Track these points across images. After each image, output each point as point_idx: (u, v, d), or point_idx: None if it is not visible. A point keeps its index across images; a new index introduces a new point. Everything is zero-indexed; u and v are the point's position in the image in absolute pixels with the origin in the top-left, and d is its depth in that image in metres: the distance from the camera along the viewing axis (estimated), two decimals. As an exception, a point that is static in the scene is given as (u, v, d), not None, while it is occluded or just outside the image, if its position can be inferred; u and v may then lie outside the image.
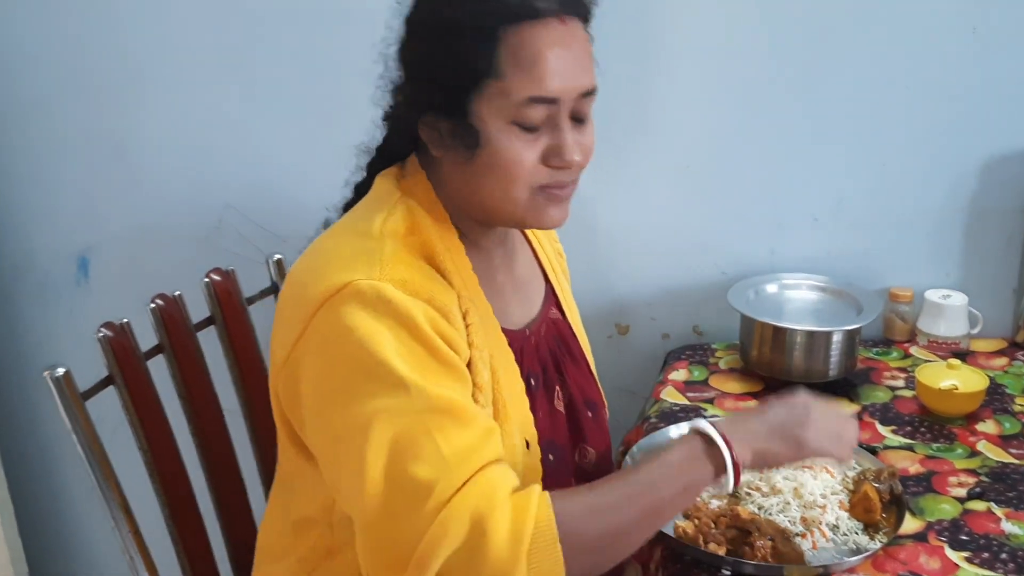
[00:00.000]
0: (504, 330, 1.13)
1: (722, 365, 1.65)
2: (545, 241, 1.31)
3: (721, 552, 1.14)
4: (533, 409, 1.13)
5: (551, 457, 1.15)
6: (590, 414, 1.24)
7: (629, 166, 1.66)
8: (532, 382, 1.15)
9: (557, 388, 1.20)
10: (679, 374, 1.62)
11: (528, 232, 1.27)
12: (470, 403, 1.00)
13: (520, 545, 0.92)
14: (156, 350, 1.35)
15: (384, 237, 1.04)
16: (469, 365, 1.03)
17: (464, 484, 0.94)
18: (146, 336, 1.34)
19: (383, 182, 1.13)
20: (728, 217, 1.69)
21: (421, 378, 0.96)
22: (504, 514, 0.93)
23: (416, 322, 0.98)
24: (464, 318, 1.05)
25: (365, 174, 1.18)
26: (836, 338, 1.52)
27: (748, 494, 1.22)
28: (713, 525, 1.18)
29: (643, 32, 1.59)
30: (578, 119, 1.05)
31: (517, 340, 1.14)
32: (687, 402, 1.54)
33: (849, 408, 1.11)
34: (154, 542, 1.28)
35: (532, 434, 1.12)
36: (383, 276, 0.99)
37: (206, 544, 1.36)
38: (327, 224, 1.16)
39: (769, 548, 1.15)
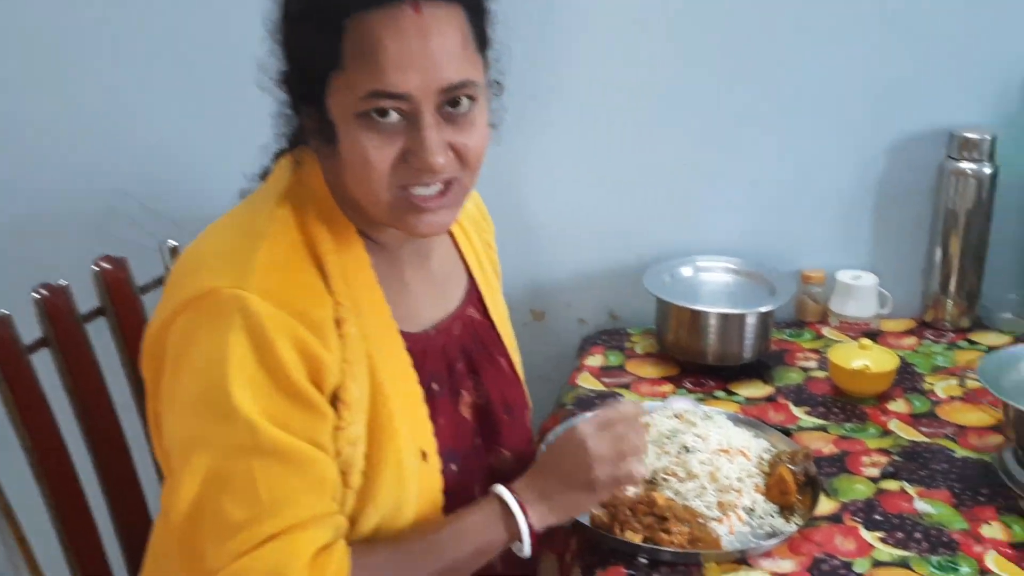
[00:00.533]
0: (404, 333, 1.06)
1: (638, 350, 1.63)
2: (473, 232, 1.24)
3: (637, 540, 1.12)
4: (433, 417, 1.07)
5: (453, 466, 1.09)
6: (507, 416, 1.18)
7: (542, 152, 1.62)
8: (434, 387, 1.09)
9: (463, 392, 1.14)
10: (595, 359, 1.60)
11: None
12: (308, 449, 0.94)
13: None
14: (40, 343, 1.27)
15: (263, 236, 0.97)
16: (337, 389, 0.98)
17: (272, 537, 0.91)
18: (29, 329, 1.25)
19: (279, 170, 1.07)
20: (643, 202, 1.67)
21: (260, 413, 0.92)
22: None
23: (274, 349, 0.92)
24: (339, 328, 0.98)
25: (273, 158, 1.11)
26: (750, 320, 1.51)
27: (665, 479, 1.20)
28: (630, 512, 1.15)
29: (554, 18, 1.55)
30: (452, 117, 0.95)
31: (418, 342, 1.08)
32: (603, 388, 1.51)
33: (630, 405, 1.09)
34: (41, 548, 1.20)
35: (430, 444, 1.06)
36: (251, 285, 0.93)
37: (98, 546, 1.29)
38: (243, 195, 1.09)
39: (686, 534, 1.13)
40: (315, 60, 0.94)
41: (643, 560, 1.12)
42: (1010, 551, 1.13)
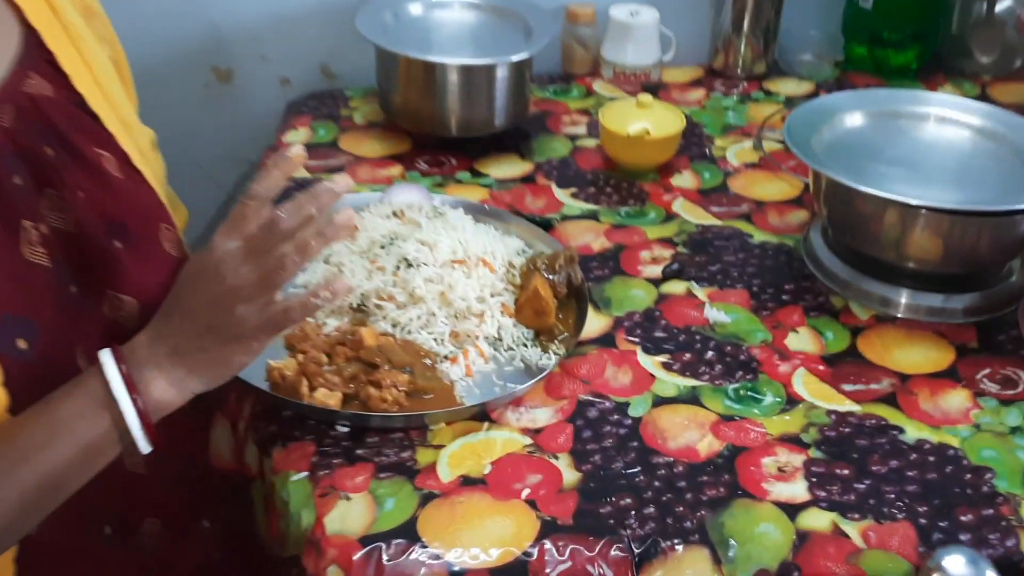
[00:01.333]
0: None
1: (357, 119, 1.24)
2: None
3: (333, 403, 0.78)
4: None
5: (23, 344, 0.69)
6: (119, 244, 0.77)
7: None
8: None
9: (31, 223, 0.72)
10: (298, 134, 1.19)
11: None
12: None
13: None
14: None
15: None
16: None
17: None
18: None
19: None
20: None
21: None
22: None
23: None
24: None
25: None
26: (501, 74, 1.14)
27: (379, 307, 0.85)
28: (326, 360, 0.81)
29: None
30: None
31: None
32: (306, 174, 1.12)
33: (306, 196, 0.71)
34: None
35: None
36: None
37: None
38: None
39: (404, 384, 0.80)
40: None
41: (343, 428, 0.79)
42: (823, 368, 0.88)
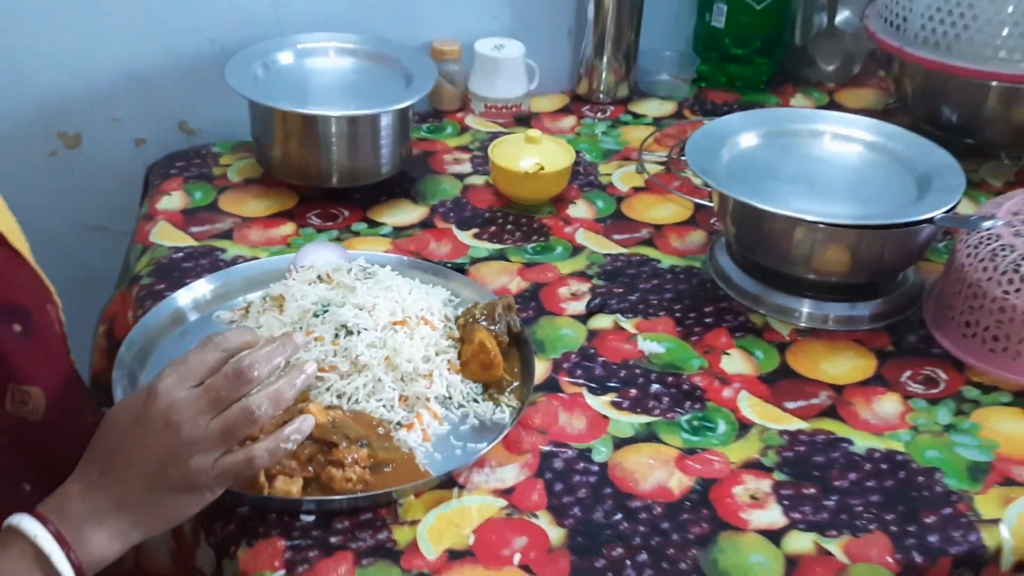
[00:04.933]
0: None
1: (233, 177, 1.16)
2: None
3: (295, 490, 0.73)
4: None
5: None
6: (18, 328, 0.70)
7: None
8: None
9: None
10: (173, 200, 1.11)
11: None
12: None
13: None
14: None
15: None
16: None
17: None
18: None
19: None
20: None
21: None
22: None
23: None
24: None
25: None
26: (385, 122, 1.11)
27: (320, 379, 0.80)
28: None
29: None
30: None
31: None
32: (195, 242, 1.04)
33: (237, 333, 0.70)
34: None
35: None
36: None
37: None
38: None
39: (365, 461, 0.75)
40: None
41: (309, 517, 0.73)
42: (763, 388, 0.89)
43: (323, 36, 1.20)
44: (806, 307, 0.98)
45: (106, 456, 0.66)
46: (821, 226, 0.93)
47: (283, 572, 0.70)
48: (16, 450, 0.69)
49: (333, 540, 0.72)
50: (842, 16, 1.38)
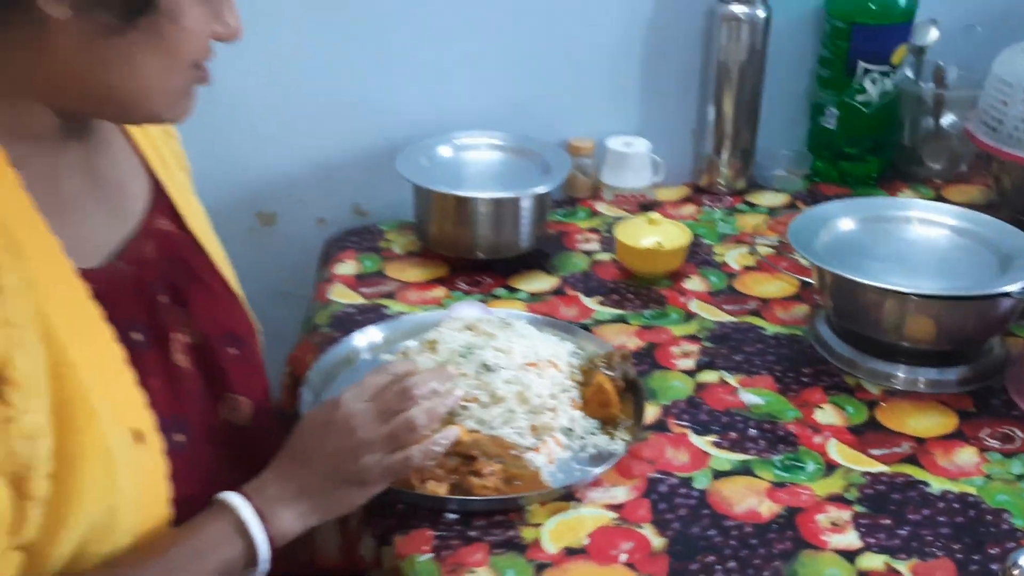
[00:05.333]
0: (82, 272, 0.75)
1: (397, 249, 1.37)
2: (147, 134, 0.92)
3: (442, 491, 0.89)
4: (143, 380, 0.77)
5: (180, 437, 0.80)
6: (234, 351, 0.90)
7: (257, 12, 1.29)
8: (136, 337, 0.79)
9: (176, 334, 0.84)
10: (347, 267, 1.32)
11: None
12: None
13: None
14: None
15: None
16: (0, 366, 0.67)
17: None
18: None
19: None
20: (386, 73, 1.39)
21: None
22: None
23: None
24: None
25: None
26: (525, 204, 1.29)
27: (464, 407, 0.97)
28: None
29: None
30: None
31: (104, 281, 0.77)
32: (363, 300, 1.24)
33: (405, 364, 0.92)
34: None
35: (145, 420, 0.77)
36: None
37: None
38: None
39: (499, 473, 0.91)
40: None
41: (453, 515, 0.89)
42: (851, 437, 1.01)
43: (476, 133, 1.40)
44: (897, 371, 1.09)
45: (296, 452, 0.84)
46: (909, 297, 1.05)
47: (431, 555, 0.85)
48: (227, 448, 0.88)
49: (471, 534, 0.88)
50: (947, 119, 1.50)
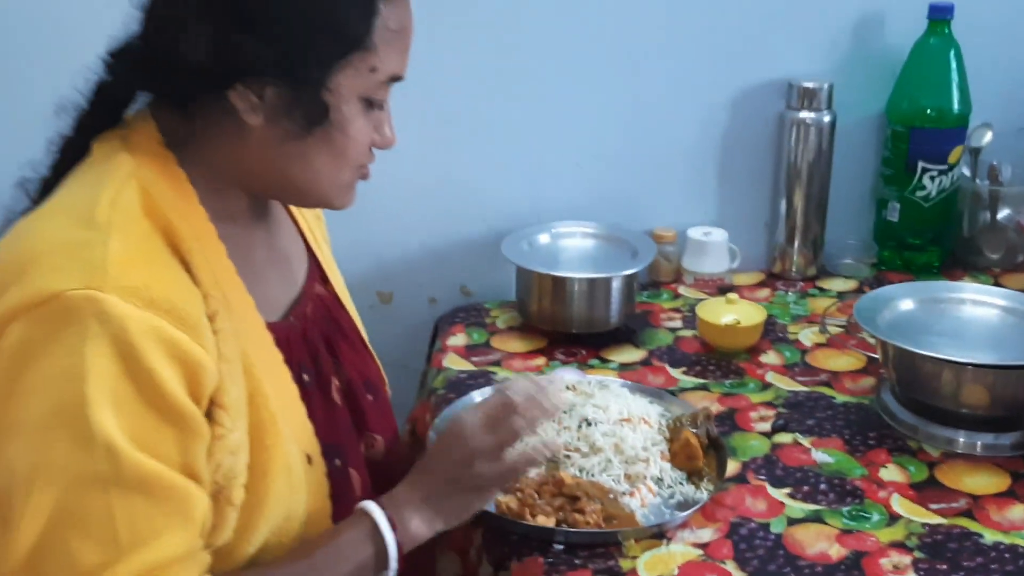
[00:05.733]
0: (269, 325, 0.94)
1: (500, 324, 1.54)
2: (306, 211, 1.13)
3: (551, 523, 1.03)
4: (311, 413, 0.95)
5: (337, 462, 0.97)
6: (371, 397, 1.07)
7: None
8: (305, 378, 0.97)
9: (332, 378, 1.02)
10: (458, 339, 1.49)
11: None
12: (179, 479, 0.80)
13: None
14: None
15: (111, 227, 0.81)
16: (215, 393, 0.84)
17: None
18: None
19: (106, 148, 0.89)
20: (491, 168, 1.58)
21: (124, 437, 0.77)
22: None
23: (142, 359, 0.77)
24: (212, 323, 0.85)
25: (74, 134, 0.93)
26: (616, 285, 1.45)
27: (567, 456, 1.11)
28: (537, 496, 1.07)
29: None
30: None
31: (283, 333, 0.95)
32: (473, 367, 1.41)
33: (521, 382, 1.01)
34: None
35: (313, 446, 0.94)
36: (107, 284, 0.77)
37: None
38: (25, 190, 0.93)
39: (599, 512, 1.05)
40: (340, 38, 0.87)
41: (559, 545, 1.03)
42: (912, 492, 1.13)
43: (571, 223, 1.58)
44: (956, 435, 1.21)
45: (422, 465, 0.99)
46: (965, 367, 1.18)
47: (542, 577, 1.00)
48: (368, 479, 1.04)
49: (576, 562, 1.01)
50: (1002, 213, 1.63)
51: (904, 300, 1.32)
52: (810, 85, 1.60)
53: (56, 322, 0.76)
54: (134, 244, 0.82)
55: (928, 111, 1.60)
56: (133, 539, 0.77)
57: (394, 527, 0.93)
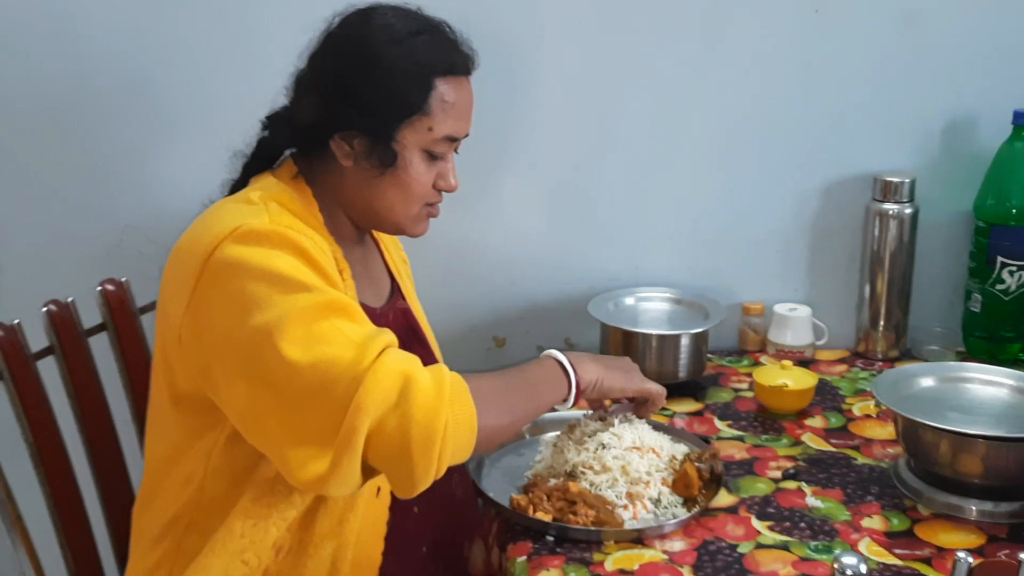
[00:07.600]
0: (363, 305, 1.25)
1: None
2: (392, 248, 1.48)
3: (547, 519, 1.27)
4: None
5: None
6: None
7: (500, 189, 1.80)
8: None
9: None
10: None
11: (377, 238, 1.43)
12: (360, 308, 1.16)
13: (442, 391, 1.09)
14: (46, 352, 1.45)
15: (266, 204, 1.20)
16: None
17: (379, 356, 1.09)
18: (39, 339, 1.43)
19: (259, 179, 1.29)
20: (593, 236, 1.84)
21: (318, 284, 1.12)
22: (423, 371, 1.10)
23: (307, 251, 1.14)
24: (341, 275, 1.21)
25: (240, 175, 1.33)
26: (684, 341, 1.66)
27: (582, 472, 1.34)
28: (545, 499, 1.30)
29: (507, 58, 1.72)
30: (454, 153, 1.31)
31: (373, 316, 1.25)
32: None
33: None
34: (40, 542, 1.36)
35: None
36: (272, 222, 1.15)
37: (90, 540, 1.44)
38: (209, 204, 1.29)
39: (592, 516, 1.27)
40: (403, 105, 1.22)
41: (550, 537, 1.26)
42: (884, 539, 1.26)
43: (658, 289, 1.81)
44: (956, 501, 1.32)
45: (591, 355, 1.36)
46: (961, 436, 1.29)
47: (525, 558, 1.23)
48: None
49: (558, 550, 1.24)
50: (1085, 308, 1.69)
51: (924, 378, 1.45)
52: (893, 179, 1.74)
53: (242, 240, 1.13)
54: (280, 213, 1.19)
55: (1012, 209, 1.70)
56: (361, 338, 1.09)
57: (575, 368, 1.29)
